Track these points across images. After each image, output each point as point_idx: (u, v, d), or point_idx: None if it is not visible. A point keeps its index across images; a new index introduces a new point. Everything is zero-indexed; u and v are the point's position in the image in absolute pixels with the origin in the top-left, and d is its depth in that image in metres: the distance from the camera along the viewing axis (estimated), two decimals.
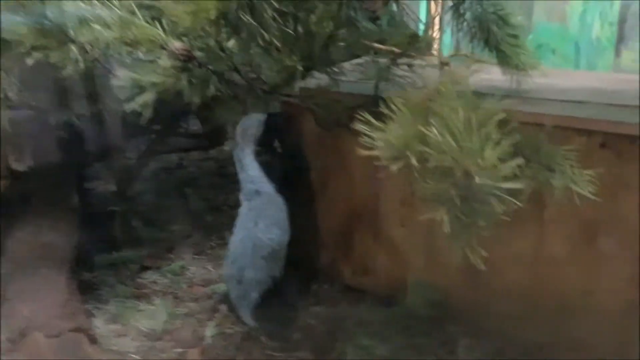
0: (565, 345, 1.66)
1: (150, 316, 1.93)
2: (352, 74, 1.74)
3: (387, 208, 1.95)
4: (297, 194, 2.07)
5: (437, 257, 1.87)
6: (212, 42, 1.35)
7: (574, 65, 3.08)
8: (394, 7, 1.71)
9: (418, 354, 1.75)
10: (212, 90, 1.34)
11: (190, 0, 1.13)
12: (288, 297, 2.01)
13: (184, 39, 1.34)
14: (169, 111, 2.12)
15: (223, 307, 2.01)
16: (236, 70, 1.41)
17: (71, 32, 1.47)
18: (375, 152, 0.87)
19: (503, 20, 1.63)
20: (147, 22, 1.27)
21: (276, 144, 2.16)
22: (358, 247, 2.07)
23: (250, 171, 1.93)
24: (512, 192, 0.80)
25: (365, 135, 0.89)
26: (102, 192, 2.71)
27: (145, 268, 2.27)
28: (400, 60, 1.62)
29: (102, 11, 1.32)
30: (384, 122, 0.88)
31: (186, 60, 1.29)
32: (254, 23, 1.07)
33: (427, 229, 1.85)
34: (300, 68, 1.26)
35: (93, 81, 1.89)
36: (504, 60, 1.66)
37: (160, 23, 1.29)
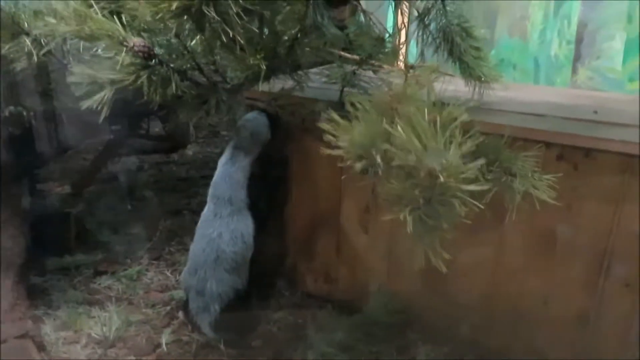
0: (523, 351, 1.69)
1: (103, 323, 1.86)
2: (317, 80, 1.73)
3: (349, 215, 1.95)
4: (270, 203, 2.02)
5: (398, 264, 1.88)
6: (173, 39, 1.32)
7: (533, 80, 3.18)
8: (362, 17, 1.72)
9: None
10: (173, 89, 1.30)
11: None
12: (248, 305, 1.96)
13: (145, 35, 1.31)
14: (129, 111, 2.06)
15: (180, 315, 1.95)
16: (199, 68, 1.38)
17: (25, 24, 1.41)
18: (339, 152, 0.86)
19: (466, 33, 1.67)
20: (105, 17, 1.23)
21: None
22: (320, 254, 2.06)
23: (236, 175, 1.81)
24: (474, 195, 0.80)
25: (330, 134, 0.87)
26: (56, 193, 2.61)
27: (99, 273, 2.20)
28: (365, 66, 1.63)
29: (56, 4, 1.28)
30: (349, 121, 0.87)
31: (146, 58, 1.25)
32: (218, 18, 1.04)
33: (389, 236, 1.86)
34: (264, 67, 1.24)
35: (48, 76, 1.82)
36: (467, 71, 1.69)
37: (120, 18, 1.25)
